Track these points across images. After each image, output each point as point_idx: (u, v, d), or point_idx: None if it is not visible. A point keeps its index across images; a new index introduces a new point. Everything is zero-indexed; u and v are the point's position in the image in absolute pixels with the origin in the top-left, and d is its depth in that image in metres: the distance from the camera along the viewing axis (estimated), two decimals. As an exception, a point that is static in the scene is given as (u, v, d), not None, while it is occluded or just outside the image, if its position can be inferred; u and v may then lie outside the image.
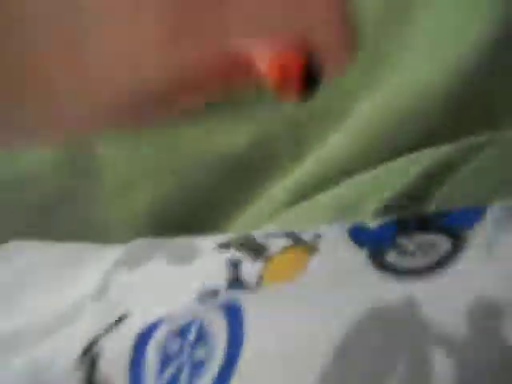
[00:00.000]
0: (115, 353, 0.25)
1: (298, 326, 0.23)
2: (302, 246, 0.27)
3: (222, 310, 0.25)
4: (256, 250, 0.28)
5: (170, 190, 0.34)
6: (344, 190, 0.33)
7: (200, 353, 0.23)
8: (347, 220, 0.30)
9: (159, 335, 0.24)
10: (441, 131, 0.34)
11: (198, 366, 0.23)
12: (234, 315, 0.24)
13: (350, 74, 0.35)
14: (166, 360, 0.23)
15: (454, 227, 0.26)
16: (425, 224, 0.27)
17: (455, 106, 0.34)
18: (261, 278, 0.27)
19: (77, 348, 0.26)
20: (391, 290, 0.22)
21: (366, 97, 0.36)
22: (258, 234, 0.29)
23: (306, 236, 0.28)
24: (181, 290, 0.27)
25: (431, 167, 0.33)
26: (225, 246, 0.29)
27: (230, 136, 0.34)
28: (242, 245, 0.28)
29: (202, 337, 0.24)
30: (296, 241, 0.28)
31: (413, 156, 0.34)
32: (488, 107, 0.35)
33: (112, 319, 0.27)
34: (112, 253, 0.30)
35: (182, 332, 0.24)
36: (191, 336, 0.24)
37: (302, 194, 0.35)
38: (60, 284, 0.29)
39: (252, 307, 0.24)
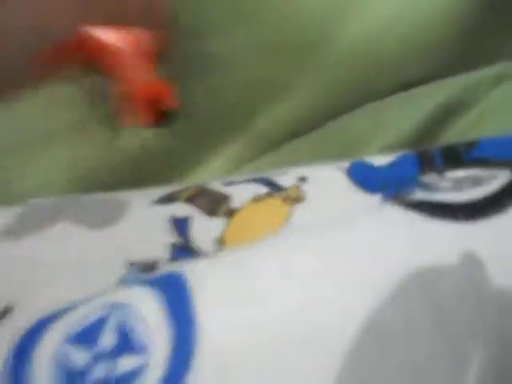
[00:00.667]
0: None
1: (289, 301, 0.14)
2: (281, 193, 0.19)
3: (156, 290, 0.15)
4: (213, 201, 0.19)
5: None
6: (335, 130, 0.26)
7: (124, 366, 0.14)
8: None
9: (55, 337, 0.14)
10: (449, 61, 0.28)
11: None
12: (175, 296, 0.15)
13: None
14: (69, 380, 0.14)
15: (491, 159, 0.18)
16: (456, 157, 0.18)
17: (468, 29, 0.27)
18: (221, 240, 0.18)
19: None
20: (440, 239, 0.14)
21: (344, 21, 0.29)
22: (215, 182, 0.20)
23: (285, 180, 0.19)
24: (97, 265, 0.18)
25: (441, 105, 0.26)
26: (166, 199, 0.20)
27: None
28: (191, 196, 0.19)
29: (124, 339, 0.14)
30: (271, 188, 0.19)
31: (417, 91, 0.27)
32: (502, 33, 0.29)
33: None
34: None
35: (91, 333, 0.14)
36: (106, 339, 0.14)
37: (276, 140, 0.27)
38: None
39: (205, 279, 0.15)
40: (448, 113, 0.26)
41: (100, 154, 0.28)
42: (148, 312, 0.14)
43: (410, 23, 0.29)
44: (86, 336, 0.14)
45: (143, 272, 0.18)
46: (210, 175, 0.29)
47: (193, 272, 0.15)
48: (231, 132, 0.29)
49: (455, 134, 0.25)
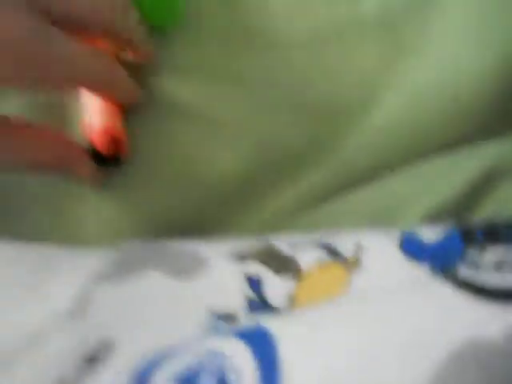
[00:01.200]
0: None
1: (353, 358, 0.17)
2: (341, 261, 0.22)
3: (245, 341, 0.18)
4: (282, 263, 0.22)
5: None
6: (378, 192, 0.28)
7: None
8: (385, 226, 0.25)
9: (161, 381, 0.17)
10: (492, 122, 0.30)
11: None
12: (263, 346, 0.18)
13: (370, 61, 0.33)
14: None
15: None
16: (494, 234, 0.21)
17: (504, 95, 0.30)
18: (292, 299, 0.21)
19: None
20: (485, 316, 0.17)
21: (388, 86, 0.32)
22: (281, 243, 0.23)
23: (344, 248, 0.22)
24: (183, 313, 0.21)
25: (481, 171, 0.28)
26: (240, 256, 0.23)
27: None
28: (263, 256, 0.22)
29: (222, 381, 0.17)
30: (332, 254, 0.22)
31: (460, 154, 0.29)
32: None
33: (92, 345, 0.20)
34: (91, 259, 0.24)
35: (193, 379, 0.17)
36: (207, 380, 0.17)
37: (321, 197, 0.30)
38: (25, 298, 0.23)
39: (288, 334, 0.18)
40: (491, 178, 0.28)
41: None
42: (241, 362, 0.17)
43: (453, 86, 0.30)
44: (189, 381, 0.17)
45: (224, 322, 0.21)
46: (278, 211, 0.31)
47: (278, 328, 0.18)
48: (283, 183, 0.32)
49: (497, 202, 0.27)
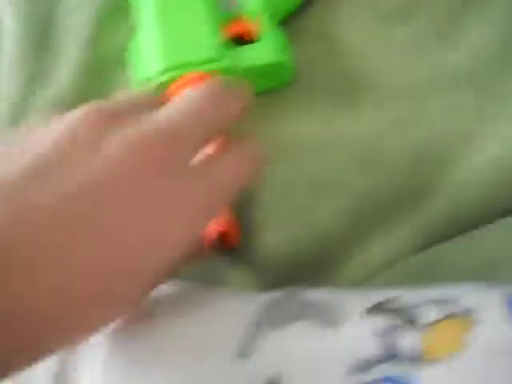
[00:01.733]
0: None
1: None
2: (456, 319, 0.26)
3: None
4: (409, 318, 0.26)
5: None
6: (480, 244, 0.32)
7: None
8: (489, 280, 0.29)
9: None
10: None
11: None
12: None
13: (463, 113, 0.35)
14: None
15: None
16: None
17: None
18: (420, 351, 0.25)
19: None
20: None
21: (480, 140, 0.35)
22: (407, 299, 0.27)
23: (457, 307, 0.26)
24: (328, 360, 0.26)
25: None
26: (374, 310, 0.27)
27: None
28: (393, 310, 0.27)
29: None
30: (447, 312, 0.26)
31: None
32: None
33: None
34: (249, 305, 0.29)
35: None
36: None
37: (432, 236, 0.33)
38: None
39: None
40: None
41: None
42: None
43: None
44: None
45: (360, 371, 0.25)
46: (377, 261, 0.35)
47: (418, 376, 0.22)
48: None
49: None
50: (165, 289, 0.31)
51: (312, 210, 0.36)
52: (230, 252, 0.36)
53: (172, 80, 0.38)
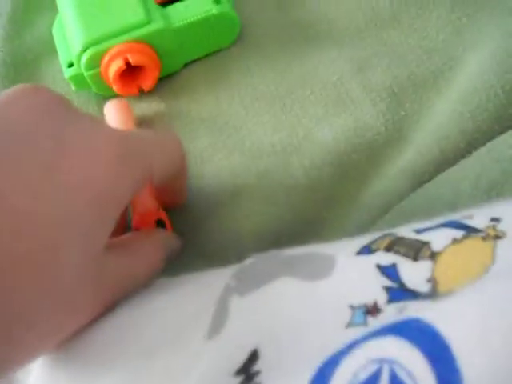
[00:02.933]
0: None
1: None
2: (478, 234, 0.20)
3: (409, 339, 0.17)
4: (414, 248, 0.21)
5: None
6: (479, 163, 0.27)
7: None
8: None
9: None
10: None
11: None
12: (432, 345, 0.16)
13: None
14: None
15: None
16: None
17: None
18: (434, 281, 0.20)
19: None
20: None
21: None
22: (404, 231, 0.22)
23: (478, 223, 0.21)
24: (325, 314, 0.20)
25: None
26: (366, 250, 0.22)
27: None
28: (391, 245, 0.21)
29: None
30: (466, 229, 0.21)
31: None
32: None
33: (237, 359, 0.20)
34: (220, 276, 0.23)
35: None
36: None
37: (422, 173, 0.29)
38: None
39: (450, 322, 0.17)
40: None
41: None
42: (412, 364, 0.16)
43: None
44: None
45: (367, 314, 0.20)
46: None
47: (440, 319, 0.17)
48: None
49: None
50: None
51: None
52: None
53: (100, 55, 0.33)
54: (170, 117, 0.35)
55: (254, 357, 0.20)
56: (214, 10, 0.34)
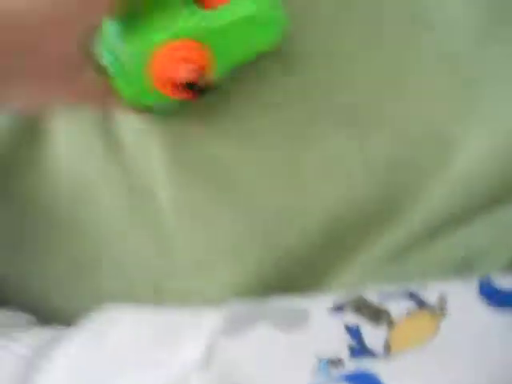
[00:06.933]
0: None
1: None
2: (428, 310, 0.25)
3: (354, 382, 0.22)
4: (376, 313, 0.26)
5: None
6: (460, 240, 0.31)
7: None
8: (470, 273, 0.28)
9: None
10: None
11: None
12: None
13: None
14: None
15: None
16: None
17: None
18: (387, 345, 0.24)
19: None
20: None
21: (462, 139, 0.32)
22: (372, 295, 0.27)
23: (430, 297, 0.25)
24: (295, 361, 0.25)
25: None
26: (338, 308, 0.26)
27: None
28: (358, 308, 0.26)
29: None
30: (420, 304, 0.25)
31: None
32: None
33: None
34: (209, 319, 0.28)
35: None
36: None
37: (407, 248, 0.32)
38: (156, 361, 0.27)
39: (392, 377, 0.22)
40: None
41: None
42: None
43: None
44: None
45: (331, 366, 0.24)
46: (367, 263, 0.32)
47: (382, 369, 0.21)
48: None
49: None
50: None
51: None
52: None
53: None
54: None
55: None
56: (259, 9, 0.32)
